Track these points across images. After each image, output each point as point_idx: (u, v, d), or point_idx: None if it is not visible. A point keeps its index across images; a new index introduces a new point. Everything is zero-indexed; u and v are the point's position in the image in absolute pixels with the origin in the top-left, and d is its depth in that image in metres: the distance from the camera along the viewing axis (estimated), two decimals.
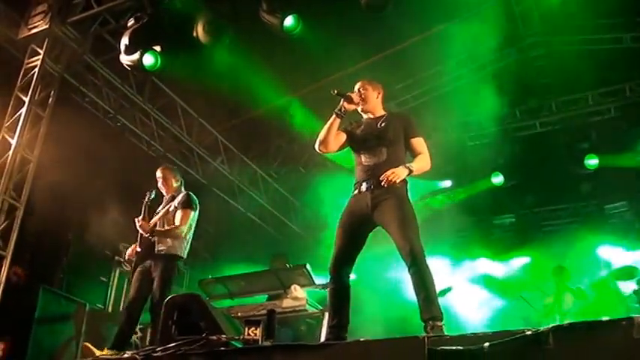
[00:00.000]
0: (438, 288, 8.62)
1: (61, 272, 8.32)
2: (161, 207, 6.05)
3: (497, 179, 10.95)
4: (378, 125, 4.57)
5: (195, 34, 7.25)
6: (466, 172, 10.80)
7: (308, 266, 6.27)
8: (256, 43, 7.92)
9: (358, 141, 4.58)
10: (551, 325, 3.12)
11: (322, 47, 8.07)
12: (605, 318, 6.26)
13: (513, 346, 3.01)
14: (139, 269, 5.83)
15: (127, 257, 6.18)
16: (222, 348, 4.00)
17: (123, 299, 8.45)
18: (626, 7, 9.33)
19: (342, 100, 4.50)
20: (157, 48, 7.41)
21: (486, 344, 3.01)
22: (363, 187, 4.39)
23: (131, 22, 7.34)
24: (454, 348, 3.06)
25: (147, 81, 9.16)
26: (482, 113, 9.78)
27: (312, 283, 6.27)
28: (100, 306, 8.67)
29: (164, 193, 6.16)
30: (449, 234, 10.50)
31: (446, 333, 3.70)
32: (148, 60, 7.36)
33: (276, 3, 7.12)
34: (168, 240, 5.82)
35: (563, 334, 3.02)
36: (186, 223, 5.88)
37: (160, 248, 5.78)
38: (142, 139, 9.57)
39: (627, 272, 8.66)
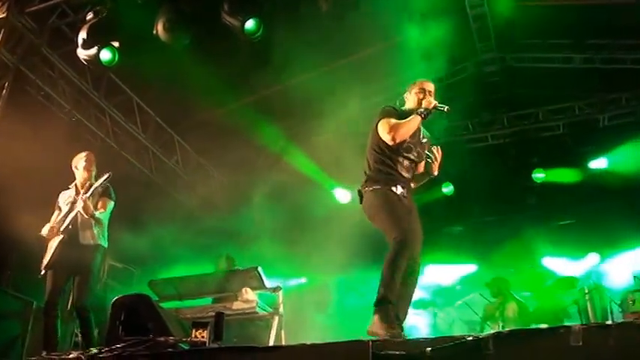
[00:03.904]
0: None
1: (9, 270, 8.14)
2: (78, 195, 5.83)
3: (448, 189, 11.19)
4: (422, 137, 4.76)
5: (155, 31, 7.20)
6: None
7: (260, 269, 6.29)
8: (217, 44, 7.92)
9: (408, 146, 4.65)
10: (491, 332, 3.25)
11: (283, 51, 8.12)
12: (544, 326, 6.51)
13: (454, 351, 3.12)
14: (57, 259, 5.67)
15: (46, 234, 5.82)
16: (169, 350, 4.00)
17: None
18: (577, 29, 9.70)
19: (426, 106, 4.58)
20: (115, 44, 7.33)
21: (428, 349, 3.11)
22: (400, 190, 4.53)
23: (90, 15, 7.25)
24: (397, 352, 3.15)
25: (104, 77, 9.03)
26: (436, 124, 9.97)
27: (263, 286, 6.29)
28: None
29: (78, 180, 6.03)
30: None
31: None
32: (106, 55, 7.27)
33: (237, 5, 7.14)
34: (94, 229, 5.76)
35: (504, 341, 3.14)
36: (107, 211, 5.87)
37: (85, 237, 5.72)
38: (96, 136, 9.42)
39: (569, 282, 8.98)
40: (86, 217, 5.67)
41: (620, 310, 8.31)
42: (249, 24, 7.11)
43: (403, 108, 4.78)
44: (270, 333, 5.96)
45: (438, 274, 10.94)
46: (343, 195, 11.36)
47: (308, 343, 3.43)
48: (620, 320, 7.78)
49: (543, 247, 10.09)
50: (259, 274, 6.25)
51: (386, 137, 4.50)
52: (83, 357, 3.97)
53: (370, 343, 3.15)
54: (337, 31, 7.85)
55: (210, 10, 7.28)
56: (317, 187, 10.89)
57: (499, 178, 10.78)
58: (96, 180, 5.84)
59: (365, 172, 4.69)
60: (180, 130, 10.53)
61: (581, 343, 2.98)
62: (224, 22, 7.17)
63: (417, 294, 10.37)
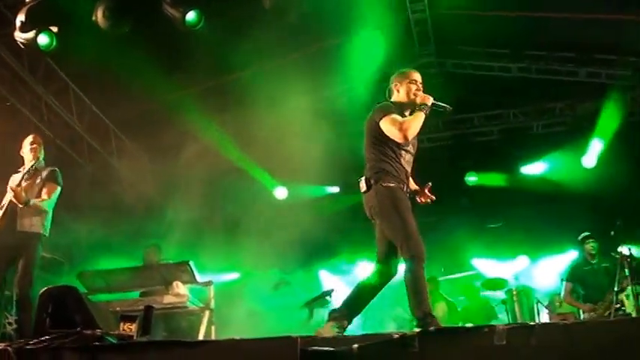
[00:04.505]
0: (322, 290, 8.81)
1: None
2: (21, 179, 5.69)
3: None
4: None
5: (94, 18, 7.04)
6: (355, 180, 11.06)
7: (191, 263, 6.25)
8: (157, 35, 7.80)
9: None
10: (417, 330, 3.33)
11: (224, 44, 8.07)
12: (469, 325, 6.70)
13: (381, 348, 3.19)
14: None
15: None
16: (96, 343, 3.93)
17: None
18: (516, 40, 10.01)
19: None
20: (54, 28, 7.12)
21: (356, 346, 3.16)
22: (406, 188, 4.58)
23: None
24: (325, 349, 3.19)
25: (41, 62, 8.74)
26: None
27: (194, 280, 6.25)
28: None
29: (26, 163, 5.84)
30: (335, 239, 10.77)
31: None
32: (43, 40, 7.05)
33: None
34: (34, 217, 5.58)
35: (429, 339, 3.23)
36: (52, 198, 5.70)
37: (22, 225, 5.54)
38: (30, 122, 9.11)
39: (497, 283, 9.28)
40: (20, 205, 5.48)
41: (547, 311, 8.65)
42: (190, 15, 7.03)
43: (393, 100, 4.75)
44: (200, 328, 5.93)
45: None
46: (280, 192, 11.38)
47: (237, 338, 3.42)
48: (543, 321, 8.10)
49: (474, 248, 10.38)
50: (191, 268, 6.21)
51: (396, 135, 4.45)
52: (10, 349, 3.85)
53: (299, 339, 3.17)
54: (280, 28, 7.84)
55: (152, 0, 7.17)
56: (254, 182, 10.85)
57: (434, 180, 10.97)
58: (45, 164, 5.69)
59: (373, 165, 4.62)
60: (117, 120, 10.30)
61: (504, 342, 3.08)
62: (165, 13, 7.06)
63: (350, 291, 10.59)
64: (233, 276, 10.94)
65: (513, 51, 10.49)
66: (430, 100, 4.60)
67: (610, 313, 7.06)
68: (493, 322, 7.89)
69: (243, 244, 9.37)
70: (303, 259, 10.38)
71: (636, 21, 8.68)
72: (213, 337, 5.84)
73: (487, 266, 10.66)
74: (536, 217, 10.15)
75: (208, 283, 6.27)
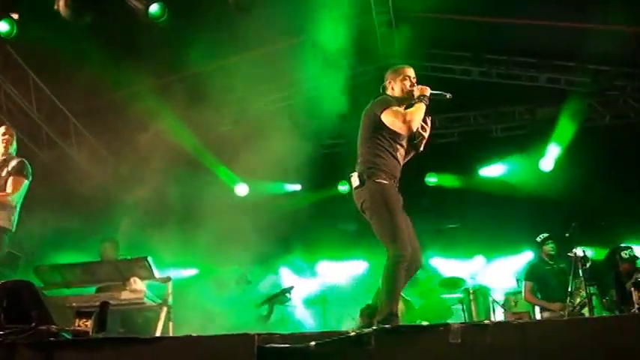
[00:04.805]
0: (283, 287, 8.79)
1: None
2: None
3: (344, 187, 11.45)
4: None
5: (56, 7, 6.92)
6: (316, 178, 11.11)
7: (149, 259, 6.18)
8: (120, 26, 7.71)
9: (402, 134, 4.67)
10: (373, 328, 3.38)
11: (188, 39, 8.02)
12: (425, 323, 6.80)
13: (338, 345, 3.21)
14: None
15: None
16: (52, 339, 3.88)
17: None
18: (477, 44, 10.17)
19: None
20: (15, 15, 7.00)
21: (313, 343, 3.19)
22: (396, 182, 4.57)
23: None
24: (282, 346, 3.21)
25: (1, 49, 8.52)
26: (337, 124, 10.16)
27: (152, 276, 6.18)
28: None
29: None
30: (295, 237, 10.80)
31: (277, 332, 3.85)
32: (3, 27, 6.97)
33: None
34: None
35: (385, 337, 3.27)
36: (19, 191, 5.56)
37: None
38: None
39: (454, 283, 9.42)
40: None
41: (502, 310, 8.82)
42: (154, 8, 7.01)
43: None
44: (157, 324, 5.88)
45: (330, 271, 11.20)
46: (241, 188, 11.35)
47: (194, 335, 3.41)
48: (498, 320, 8.26)
49: (432, 248, 10.52)
50: (149, 263, 6.12)
51: (400, 126, 4.46)
52: None
53: (256, 336, 3.18)
54: (244, 25, 7.82)
55: None
56: (214, 178, 10.79)
57: None
58: (17, 155, 5.58)
59: (366, 160, 4.61)
60: (77, 111, 10.12)
61: (459, 340, 3.14)
62: (128, 5, 6.99)
63: (309, 289, 10.66)
64: (192, 272, 10.88)
65: (475, 55, 10.67)
66: (428, 91, 4.65)
67: (576, 310, 7.24)
68: (449, 321, 8.00)
69: (202, 240, 9.31)
70: (263, 256, 10.37)
71: (595, 29, 8.91)
72: (170, 334, 5.80)
73: (444, 266, 10.83)
74: (493, 218, 10.32)
75: (166, 279, 6.20)
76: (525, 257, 10.32)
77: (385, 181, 4.47)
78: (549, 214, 9.99)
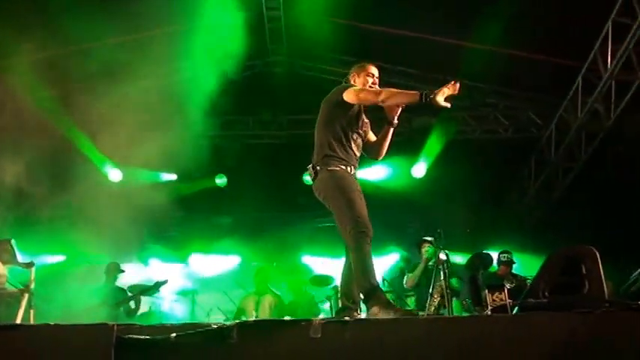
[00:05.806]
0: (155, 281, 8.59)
1: None
2: None
3: (221, 180, 11.39)
4: (365, 117, 4.78)
5: None
6: (192, 170, 10.98)
7: (13, 242, 5.89)
8: None
9: (363, 121, 4.71)
10: (236, 321, 3.41)
11: (69, 13, 7.67)
12: (287, 318, 6.93)
13: (199, 338, 3.21)
14: None
15: None
16: None
17: None
18: (363, 50, 10.42)
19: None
20: None
21: (173, 335, 3.17)
22: (353, 170, 4.61)
23: None
24: (142, 337, 3.16)
25: None
26: (217, 116, 10.08)
27: (15, 260, 5.90)
28: None
29: None
30: (169, 227, 10.60)
31: (137, 323, 3.78)
32: None
33: None
34: None
35: (248, 330, 3.31)
36: None
37: None
38: None
39: (324, 280, 9.63)
40: None
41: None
42: None
43: None
44: (18, 311, 5.62)
45: (202, 263, 11.11)
46: (115, 173, 10.97)
47: (51, 323, 3.30)
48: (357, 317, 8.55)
49: (305, 245, 10.70)
50: (12, 247, 5.86)
51: (369, 97, 4.54)
52: None
53: (115, 326, 3.12)
54: (128, 6, 7.59)
55: None
56: (87, 161, 10.33)
57: (273, 177, 11.19)
58: None
59: (320, 149, 4.62)
60: None
61: (320, 335, 3.24)
62: None
63: (179, 282, 10.51)
64: (58, 258, 10.40)
65: (358, 61, 10.89)
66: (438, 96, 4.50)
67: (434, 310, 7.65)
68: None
69: (71, 226, 8.92)
70: (134, 246, 10.08)
71: (474, 48, 9.42)
72: (32, 322, 5.59)
73: (316, 263, 11.06)
74: None
75: (30, 265, 5.94)
76: (391, 259, 10.74)
77: (337, 168, 4.56)
78: (417, 219, 10.45)
